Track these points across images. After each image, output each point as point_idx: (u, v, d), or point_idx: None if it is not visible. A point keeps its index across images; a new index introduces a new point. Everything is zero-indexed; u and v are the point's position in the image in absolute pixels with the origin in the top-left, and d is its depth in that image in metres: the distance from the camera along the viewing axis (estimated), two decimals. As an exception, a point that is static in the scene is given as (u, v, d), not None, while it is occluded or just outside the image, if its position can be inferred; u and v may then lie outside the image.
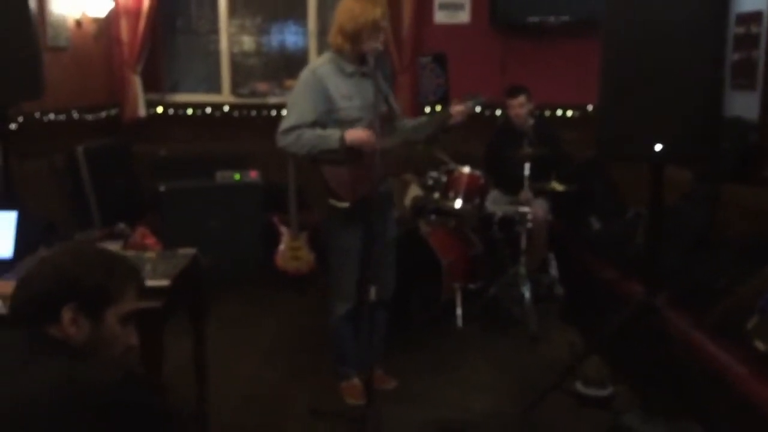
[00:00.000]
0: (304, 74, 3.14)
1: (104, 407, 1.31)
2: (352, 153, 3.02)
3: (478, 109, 3.52)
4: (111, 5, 5.26)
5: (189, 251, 2.84)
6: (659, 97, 2.69)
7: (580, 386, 3.27)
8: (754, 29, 4.01)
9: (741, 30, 4.15)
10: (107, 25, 5.38)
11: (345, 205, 3.09)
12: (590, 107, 5.41)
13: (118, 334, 1.52)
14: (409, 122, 3.38)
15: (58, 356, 1.40)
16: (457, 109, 3.22)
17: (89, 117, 5.14)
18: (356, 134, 3.01)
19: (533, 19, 5.23)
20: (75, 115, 4.92)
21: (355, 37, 3.03)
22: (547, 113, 5.46)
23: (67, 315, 1.44)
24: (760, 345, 2.62)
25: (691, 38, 2.66)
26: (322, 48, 5.59)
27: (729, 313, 2.90)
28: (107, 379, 1.35)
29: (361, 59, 3.09)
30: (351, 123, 3.08)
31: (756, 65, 3.99)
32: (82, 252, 1.55)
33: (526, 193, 4.24)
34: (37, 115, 4.46)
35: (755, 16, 3.99)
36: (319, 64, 3.16)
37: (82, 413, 1.29)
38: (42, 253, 1.53)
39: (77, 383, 1.32)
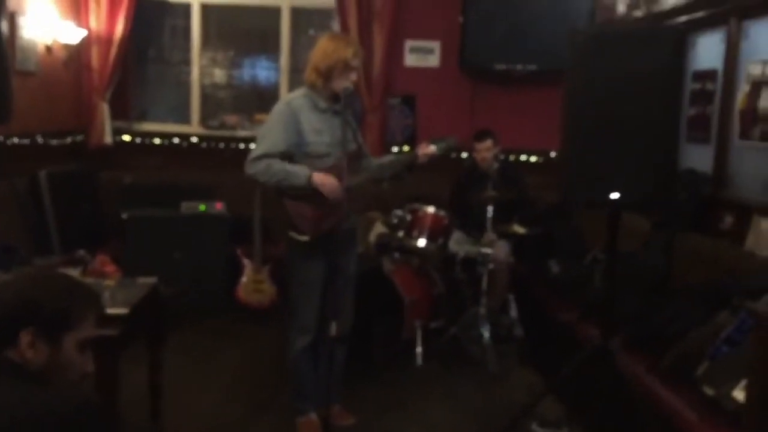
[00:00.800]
0: (279, 105, 3.21)
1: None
2: (317, 192, 3.06)
3: (444, 152, 3.59)
4: (83, 33, 5.27)
5: (149, 280, 2.84)
6: (618, 146, 2.79)
7: (536, 427, 3.30)
8: (709, 86, 4.19)
9: (697, 86, 4.32)
10: (78, 52, 5.38)
11: (305, 238, 3.12)
12: (553, 153, 5.56)
13: (75, 360, 1.52)
14: (375, 161, 3.44)
15: (16, 381, 1.39)
16: (424, 151, 3.29)
17: (54, 142, 5.10)
18: (323, 180, 3.05)
19: (501, 66, 5.39)
20: (39, 139, 4.89)
21: (327, 74, 3.11)
22: (512, 158, 5.58)
23: (25, 339, 1.43)
24: (708, 391, 2.69)
25: (650, 92, 2.77)
26: (293, 84, 5.66)
27: (681, 359, 2.97)
28: (65, 407, 1.35)
29: (334, 97, 3.16)
30: (319, 157, 3.12)
31: (710, 120, 4.16)
32: (43, 277, 1.55)
33: (489, 235, 4.31)
34: (1, 138, 4.42)
35: (711, 74, 4.18)
36: (294, 96, 3.22)
37: None
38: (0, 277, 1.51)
39: (34, 410, 1.31)
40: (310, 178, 3.04)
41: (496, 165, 4.74)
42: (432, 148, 3.30)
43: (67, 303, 1.50)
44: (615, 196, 2.79)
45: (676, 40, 2.83)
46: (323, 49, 3.13)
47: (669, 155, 2.86)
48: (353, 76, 3.14)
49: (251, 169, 3.11)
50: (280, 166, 3.07)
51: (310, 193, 3.06)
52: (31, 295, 1.47)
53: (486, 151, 4.72)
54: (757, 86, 3.70)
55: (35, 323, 1.45)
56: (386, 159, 3.51)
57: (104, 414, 1.44)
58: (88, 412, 1.37)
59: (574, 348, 3.57)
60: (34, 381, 1.42)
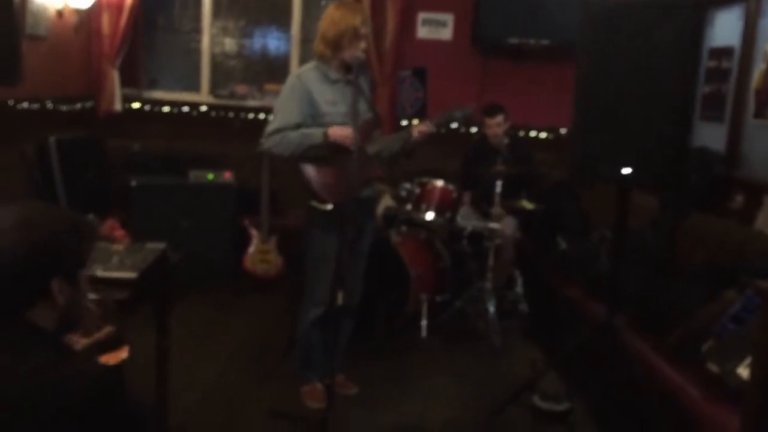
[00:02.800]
0: (290, 80, 3.20)
1: (87, 412, 1.30)
2: (336, 151, 3.05)
3: (454, 124, 3.55)
4: (94, -2, 5.23)
5: (158, 245, 2.83)
6: (630, 123, 2.76)
7: (537, 400, 3.32)
8: (725, 64, 4.14)
9: (713, 64, 4.27)
10: (88, 18, 5.35)
11: (328, 207, 3.11)
12: (563, 130, 5.51)
13: (86, 294, 1.52)
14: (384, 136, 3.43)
15: (40, 351, 1.36)
16: (420, 128, 3.24)
17: (63, 108, 5.09)
18: (337, 130, 3.05)
19: (513, 40, 5.33)
20: (49, 105, 4.87)
21: (336, 43, 3.08)
22: (521, 134, 5.54)
23: (55, 288, 1.40)
24: (713, 367, 2.69)
25: (665, 69, 2.73)
26: (304, 55, 5.62)
27: (687, 337, 2.97)
28: (91, 385, 1.33)
29: (346, 67, 3.14)
30: None
31: (725, 98, 4.12)
32: (51, 219, 1.46)
33: (496, 210, 4.30)
34: (11, 102, 4.41)
35: (727, 51, 4.12)
36: (304, 69, 3.21)
37: (64, 416, 1.28)
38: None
39: (62, 388, 1.30)
40: (326, 133, 3.04)
41: (506, 140, 4.71)
42: (427, 126, 3.23)
43: (79, 243, 1.47)
44: (626, 171, 2.77)
45: (694, 16, 2.77)
46: (331, 17, 3.11)
47: (682, 133, 2.82)
48: (363, 45, 3.11)
49: (267, 143, 3.12)
50: (294, 133, 3.07)
51: (329, 155, 3.05)
52: (54, 244, 1.40)
53: (497, 126, 4.69)
54: (773, 65, 3.65)
55: (60, 270, 1.41)
56: (388, 137, 3.47)
57: (124, 388, 1.43)
58: (107, 386, 1.36)
59: (578, 324, 3.58)
60: (53, 348, 1.40)
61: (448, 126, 5.14)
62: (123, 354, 1.93)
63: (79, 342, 1.73)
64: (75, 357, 1.46)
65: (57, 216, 1.47)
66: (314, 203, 3.14)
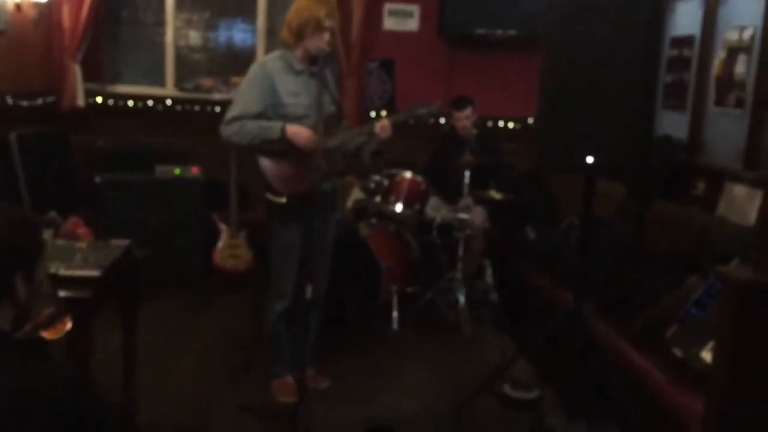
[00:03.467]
0: (253, 67, 3.18)
1: (56, 415, 1.27)
2: (293, 146, 3.03)
3: (422, 115, 3.52)
4: (53, -10, 5.12)
5: (122, 242, 2.80)
6: (594, 112, 2.80)
7: (507, 389, 3.35)
8: (686, 53, 4.20)
9: (674, 53, 4.33)
10: (48, 10, 5.23)
11: (282, 200, 3.10)
12: (531, 120, 5.55)
13: (40, 281, 1.49)
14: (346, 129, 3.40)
15: (2, 352, 1.33)
16: (381, 123, 3.16)
17: (24, 103, 4.98)
18: (297, 131, 3.02)
19: (480, 31, 5.34)
20: (9, 100, 4.77)
21: (299, 32, 3.07)
22: (489, 124, 5.57)
23: (17, 284, 1.38)
24: (677, 352, 2.74)
25: (627, 58, 2.78)
26: (270, 47, 5.56)
27: (651, 322, 3.02)
28: (59, 387, 1.30)
29: (311, 58, 3.12)
30: (297, 119, 3.09)
31: (687, 87, 4.18)
32: (5, 215, 1.43)
33: (465, 200, 4.32)
34: (-31, 98, 4.31)
35: (688, 40, 4.18)
36: (268, 59, 3.19)
37: (32, 420, 1.25)
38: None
39: (29, 391, 1.27)
40: (283, 129, 3.01)
41: (474, 131, 4.73)
42: (386, 121, 3.15)
43: (34, 235, 1.47)
44: (590, 160, 2.80)
45: (655, 6, 2.83)
46: (297, 7, 3.10)
47: (645, 122, 2.89)
48: (326, 37, 3.09)
49: (226, 130, 3.08)
50: (253, 124, 3.05)
51: (286, 150, 3.03)
52: (12, 241, 1.38)
53: (465, 119, 4.70)
54: (733, 52, 3.71)
55: (22, 266, 1.40)
56: (352, 130, 3.43)
57: (92, 388, 1.39)
58: (77, 387, 1.33)
59: (548, 313, 3.62)
60: (15, 349, 1.37)
61: (416, 120, 5.15)
62: (66, 326, 1.98)
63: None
64: (39, 360, 1.40)
65: (8, 212, 1.44)
66: (269, 196, 3.13)
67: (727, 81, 3.74)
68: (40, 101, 5.22)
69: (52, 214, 3.36)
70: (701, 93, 4.00)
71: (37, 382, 1.28)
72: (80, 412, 1.30)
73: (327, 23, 3.06)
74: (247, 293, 4.63)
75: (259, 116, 3.06)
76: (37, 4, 5.04)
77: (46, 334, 1.82)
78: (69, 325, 1.99)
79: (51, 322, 1.85)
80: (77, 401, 1.31)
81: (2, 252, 1.36)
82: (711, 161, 3.91)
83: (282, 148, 3.04)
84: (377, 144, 3.25)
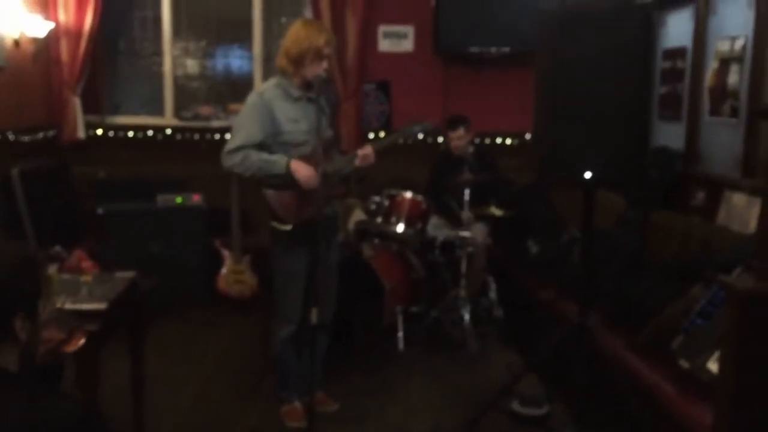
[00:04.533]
0: (251, 97, 3.19)
1: None
2: (296, 180, 3.06)
3: (420, 136, 3.56)
4: (51, 26, 5.18)
5: (127, 274, 2.82)
6: (590, 126, 2.82)
7: (516, 406, 3.34)
8: (679, 64, 4.24)
9: (667, 64, 4.37)
10: (46, 46, 5.30)
11: (287, 227, 3.12)
12: (528, 135, 5.58)
13: (41, 321, 1.50)
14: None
15: (10, 394, 1.32)
16: (363, 152, 3.21)
17: (26, 138, 5.03)
18: (299, 168, 3.05)
19: (474, 49, 5.39)
20: (10, 136, 4.81)
21: (298, 61, 3.10)
22: (487, 141, 5.60)
23: (18, 325, 1.38)
24: (684, 363, 2.74)
25: (620, 71, 2.79)
26: (267, 73, 5.62)
27: (657, 333, 3.02)
28: (66, 422, 1.30)
29: (307, 84, 3.15)
30: (296, 146, 3.12)
31: (681, 98, 4.21)
32: (4, 257, 1.43)
33: (466, 216, 4.33)
34: (-29, 135, 4.35)
35: (680, 52, 4.22)
36: (265, 87, 3.21)
37: None
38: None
39: (36, 428, 1.27)
40: (288, 165, 3.04)
41: (471, 149, 4.76)
42: (368, 149, 3.21)
43: (34, 276, 1.46)
44: (588, 175, 2.82)
45: (645, 19, 2.85)
46: (295, 35, 3.12)
47: (640, 133, 2.89)
48: (325, 64, 3.13)
49: (228, 161, 3.10)
50: (256, 156, 3.07)
51: (289, 181, 3.06)
52: (12, 282, 1.38)
53: (458, 139, 4.74)
54: (725, 63, 3.74)
55: (23, 307, 1.39)
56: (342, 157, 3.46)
57: (99, 422, 1.41)
58: (84, 422, 1.33)
59: (553, 327, 3.62)
60: (22, 389, 1.36)
61: (415, 138, 5.19)
62: (80, 341, 2.14)
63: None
64: (45, 397, 1.40)
65: (7, 253, 1.43)
66: (274, 224, 3.15)
67: (720, 91, 3.77)
68: (41, 135, 5.27)
69: (57, 248, 3.39)
70: (695, 103, 4.03)
71: (44, 419, 1.28)
72: None
73: (326, 51, 3.10)
74: (253, 318, 4.64)
75: (260, 145, 3.09)
76: (35, 40, 5.10)
77: (65, 349, 1.96)
78: (83, 340, 2.11)
79: (62, 344, 1.95)
80: None
81: (7, 293, 1.36)
82: (709, 170, 3.93)
83: (286, 181, 3.06)
84: (362, 171, 3.28)
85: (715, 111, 3.86)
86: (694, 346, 2.75)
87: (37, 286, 1.45)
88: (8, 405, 1.28)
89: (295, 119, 3.14)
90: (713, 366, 2.56)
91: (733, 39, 3.68)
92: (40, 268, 1.50)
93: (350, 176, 3.32)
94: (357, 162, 3.21)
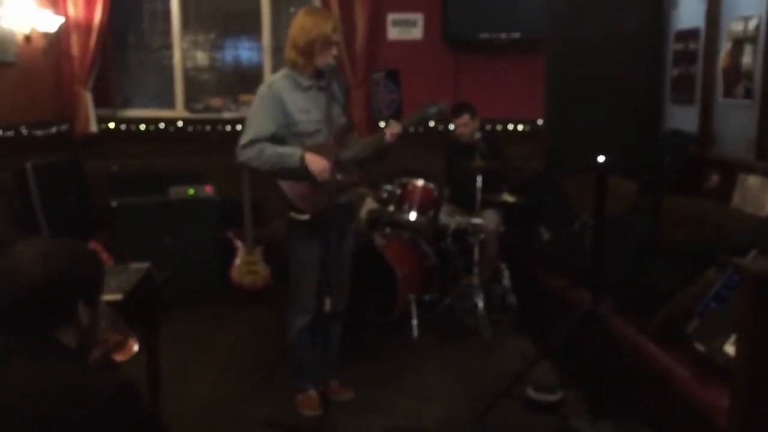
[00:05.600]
0: (261, 89, 3.19)
1: (111, 412, 1.40)
2: (311, 171, 3.06)
3: (431, 123, 3.55)
4: (61, 20, 5.21)
5: (142, 265, 2.84)
6: (602, 110, 2.79)
7: (530, 392, 3.34)
8: (692, 46, 4.19)
9: (680, 46, 4.32)
10: (57, 40, 5.32)
11: (305, 217, 3.12)
12: (540, 121, 5.55)
13: (102, 316, 1.65)
14: (357, 140, 3.44)
15: (66, 362, 1.47)
16: (391, 130, 3.23)
17: (39, 133, 5.06)
18: (314, 161, 3.05)
19: (484, 35, 5.36)
20: (24, 131, 4.85)
21: (307, 51, 3.08)
22: (499, 127, 5.58)
23: (81, 310, 1.52)
24: (699, 347, 2.73)
25: (632, 54, 2.77)
26: (276, 64, 5.62)
27: (671, 318, 3.00)
28: (108, 387, 1.42)
29: (317, 73, 3.14)
30: (310, 135, 3.12)
31: (694, 80, 4.17)
32: (67, 251, 1.56)
33: (478, 204, 4.32)
34: (-16, 130, 4.39)
35: (693, 33, 4.17)
36: (275, 79, 3.20)
37: (88, 416, 1.37)
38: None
39: (86, 387, 1.40)
40: (302, 158, 3.04)
41: (478, 135, 4.74)
42: (396, 127, 3.24)
43: (98, 270, 1.60)
44: (601, 159, 2.80)
45: (656, 0, 2.81)
46: (301, 24, 3.10)
47: (653, 117, 2.87)
48: (334, 51, 3.12)
49: (243, 155, 3.11)
50: (272, 150, 3.07)
51: (304, 173, 3.06)
52: (76, 269, 1.52)
53: (463, 126, 4.72)
54: (739, 43, 3.70)
55: (85, 294, 1.53)
56: (363, 139, 3.48)
57: (140, 397, 1.51)
58: (130, 393, 1.45)
59: (566, 314, 3.61)
60: (78, 361, 1.52)
61: (426, 123, 5.16)
62: (133, 349, 2.14)
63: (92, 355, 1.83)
64: (96, 370, 1.58)
65: (73, 247, 1.58)
66: (292, 214, 3.16)
67: (734, 72, 3.73)
68: (54, 130, 5.31)
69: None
70: (709, 85, 3.98)
71: (95, 385, 1.42)
72: (132, 416, 1.44)
73: (334, 37, 3.09)
74: (266, 308, 4.66)
75: (273, 137, 3.09)
76: (46, 35, 5.13)
77: (117, 357, 1.97)
78: (136, 347, 2.12)
79: (118, 347, 1.99)
80: (129, 406, 1.44)
81: (70, 280, 1.50)
82: (723, 153, 3.90)
83: (301, 173, 3.07)
84: (385, 148, 3.29)
85: (729, 93, 3.81)
86: (710, 329, 2.73)
87: (98, 277, 1.59)
88: (62, 369, 1.43)
89: (306, 109, 3.14)
90: (730, 349, 2.54)
91: (747, 19, 3.63)
92: (101, 266, 1.63)
93: (371, 157, 3.30)
94: (387, 138, 3.21)
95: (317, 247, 3.15)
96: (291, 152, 3.07)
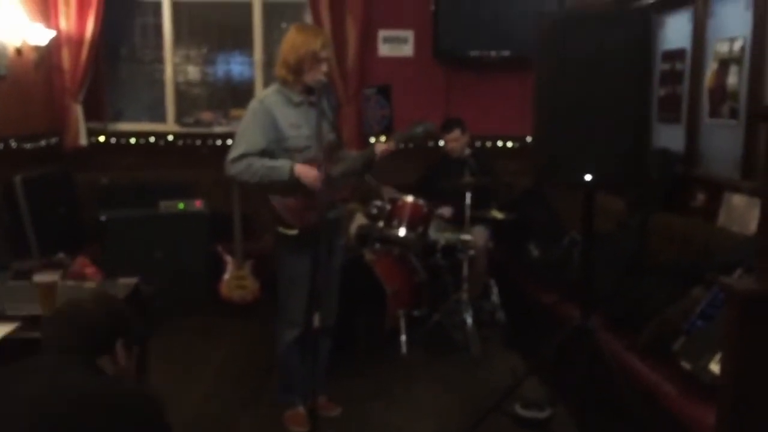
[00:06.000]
0: (252, 104, 3.20)
1: (141, 417, 1.69)
2: (301, 184, 3.08)
3: (409, 139, 3.57)
4: (53, 34, 5.21)
5: (130, 280, 2.83)
6: (590, 128, 2.82)
7: (519, 409, 3.35)
8: (678, 65, 4.24)
9: (667, 66, 4.38)
10: (48, 53, 5.32)
11: (294, 232, 3.13)
12: (529, 138, 5.59)
13: (133, 367, 1.95)
14: (347, 153, 3.46)
15: (94, 375, 1.76)
16: (381, 147, 3.28)
17: (28, 146, 5.05)
18: (305, 172, 3.07)
19: (475, 53, 5.41)
20: (13, 144, 4.83)
21: (297, 68, 3.11)
22: (488, 144, 5.62)
23: (119, 349, 1.83)
24: (686, 365, 2.75)
25: (620, 74, 2.80)
26: (268, 79, 5.64)
27: (658, 335, 3.02)
28: (143, 397, 1.77)
29: (308, 89, 3.16)
30: (299, 151, 3.14)
31: (680, 99, 4.22)
32: (117, 297, 2.08)
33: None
34: (-26, 143, 4.38)
35: (679, 54, 4.23)
36: (266, 94, 3.22)
37: (122, 419, 1.64)
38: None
39: (118, 394, 1.71)
40: (292, 170, 3.05)
41: (468, 151, 4.77)
42: (387, 144, 3.27)
43: (137, 321, 1.94)
44: (588, 178, 2.83)
45: (644, 21, 2.86)
46: (291, 42, 3.13)
47: (640, 136, 2.89)
48: (324, 68, 3.14)
49: (232, 170, 3.11)
50: (260, 163, 3.08)
51: (294, 186, 3.07)
52: (122, 314, 1.88)
53: (454, 141, 4.76)
54: (724, 64, 3.75)
55: (125, 336, 1.85)
56: (353, 153, 3.51)
57: (163, 410, 1.78)
58: (154, 403, 1.75)
59: (555, 330, 3.62)
60: (110, 379, 1.82)
61: (415, 141, 5.19)
62: None
63: None
64: (125, 381, 1.88)
65: (114, 298, 2.01)
66: (281, 229, 3.16)
67: (720, 92, 3.78)
68: (43, 143, 5.30)
69: (61, 255, 3.41)
70: (695, 105, 4.03)
71: (130, 392, 1.76)
72: (159, 423, 1.75)
73: (323, 54, 3.11)
74: (255, 323, 4.65)
75: (263, 152, 3.11)
76: (37, 48, 5.13)
77: None
78: None
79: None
80: (157, 414, 1.75)
81: (115, 316, 1.85)
82: (709, 172, 3.94)
83: (290, 186, 3.08)
84: (372, 165, 3.33)
85: (714, 112, 3.86)
86: (696, 347, 2.75)
87: (135, 327, 1.91)
88: (102, 379, 1.76)
89: (297, 125, 3.15)
90: (715, 367, 2.57)
91: (732, 40, 3.69)
92: (148, 310, 1.98)
93: (358, 171, 3.33)
94: (378, 153, 3.25)
95: (306, 262, 3.16)
96: (281, 165, 3.08)
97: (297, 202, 3.12)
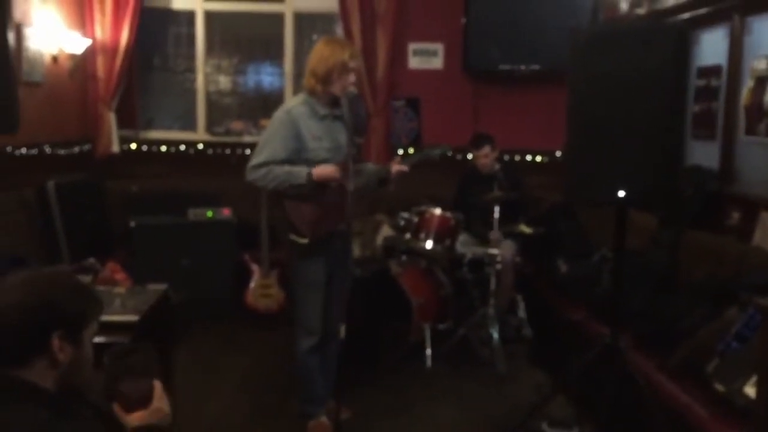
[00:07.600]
0: (279, 114, 3.21)
1: None
2: (317, 190, 3.08)
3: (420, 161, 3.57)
4: (88, 42, 5.30)
5: (159, 287, 2.85)
6: (623, 144, 2.79)
7: (545, 427, 3.30)
8: (714, 82, 4.18)
9: (702, 82, 4.31)
10: (83, 62, 5.42)
11: (304, 241, 3.13)
12: (558, 153, 5.55)
13: (90, 355, 1.53)
14: (365, 165, 3.46)
15: (36, 408, 1.35)
16: (396, 167, 3.29)
17: (62, 152, 5.14)
18: (323, 171, 3.08)
19: (505, 66, 5.39)
20: (47, 149, 4.92)
21: (325, 78, 3.12)
22: (517, 158, 5.59)
23: (55, 343, 1.43)
24: (719, 387, 2.68)
25: (654, 89, 2.76)
26: (297, 90, 5.67)
27: (690, 356, 2.96)
28: None
29: (334, 101, 3.17)
30: (319, 163, 3.14)
31: (715, 116, 4.15)
32: (52, 278, 1.50)
33: (495, 233, 4.30)
34: (9, 149, 4.46)
35: (715, 70, 4.17)
36: (293, 105, 3.23)
37: None
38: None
39: None
40: (310, 174, 3.07)
41: (497, 166, 4.75)
42: (401, 167, 3.29)
43: (82, 301, 1.51)
44: (621, 194, 2.79)
45: (679, 37, 2.82)
46: (320, 53, 3.15)
47: (674, 152, 2.85)
48: (352, 78, 3.15)
49: (251, 175, 3.14)
50: (280, 169, 3.10)
51: (310, 194, 3.08)
52: (53, 299, 1.44)
53: (484, 157, 4.74)
54: (761, 81, 3.69)
55: (62, 326, 1.44)
56: (369, 166, 3.51)
57: None
58: None
59: (583, 347, 3.56)
60: (53, 407, 1.39)
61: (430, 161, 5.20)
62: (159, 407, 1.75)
63: (127, 418, 1.63)
64: (72, 417, 1.44)
65: (59, 277, 1.50)
66: (293, 237, 3.17)
67: (756, 110, 3.71)
68: (76, 149, 5.38)
69: (91, 260, 3.45)
70: (731, 122, 3.97)
71: None
72: None
73: (352, 64, 3.12)
74: (281, 332, 4.64)
75: (284, 162, 3.12)
76: (73, 56, 5.23)
77: (131, 419, 1.65)
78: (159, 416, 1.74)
79: (140, 402, 1.68)
80: None
81: (39, 308, 1.42)
82: (744, 190, 3.86)
83: (306, 192, 3.09)
84: (387, 182, 3.36)
85: (751, 130, 3.79)
86: (730, 369, 2.69)
87: (82, 310, 1.49)
88: (30, 421, 1.31)
89: (320, 137, 3.16)
90: (750, 390, 2.50)
91: (769, 58, 3.63)
92: (89, 300, 1.52)
93: (371, 187, 3.35)
94: (393, 173, 3.27)
95: (319, 269, 3.18)
96: (298, 170, 3.10)
97: (310, 212, 3.13)
